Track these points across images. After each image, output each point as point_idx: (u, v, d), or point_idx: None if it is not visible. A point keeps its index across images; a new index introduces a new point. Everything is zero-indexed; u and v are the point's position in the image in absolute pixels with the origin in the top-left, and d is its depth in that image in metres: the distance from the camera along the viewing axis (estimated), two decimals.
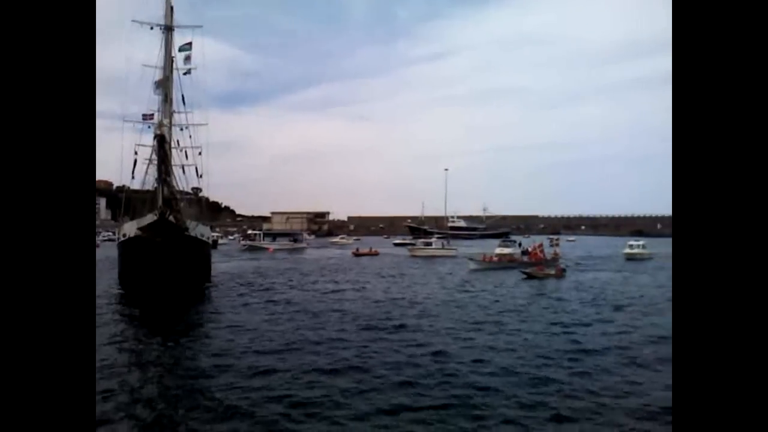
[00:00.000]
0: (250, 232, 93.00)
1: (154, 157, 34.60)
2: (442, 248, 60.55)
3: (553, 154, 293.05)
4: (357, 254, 59.81)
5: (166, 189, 25.30)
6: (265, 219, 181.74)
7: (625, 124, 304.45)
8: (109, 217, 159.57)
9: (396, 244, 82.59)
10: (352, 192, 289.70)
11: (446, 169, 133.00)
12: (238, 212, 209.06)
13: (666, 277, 35.66)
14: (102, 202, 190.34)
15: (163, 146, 25.12)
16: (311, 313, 21.00)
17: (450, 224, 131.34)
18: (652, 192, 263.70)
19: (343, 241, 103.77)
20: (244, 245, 78.66)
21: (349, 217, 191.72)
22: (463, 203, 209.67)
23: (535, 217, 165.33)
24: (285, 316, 20.59)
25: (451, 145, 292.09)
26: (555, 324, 18.86)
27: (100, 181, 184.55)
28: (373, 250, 64.24)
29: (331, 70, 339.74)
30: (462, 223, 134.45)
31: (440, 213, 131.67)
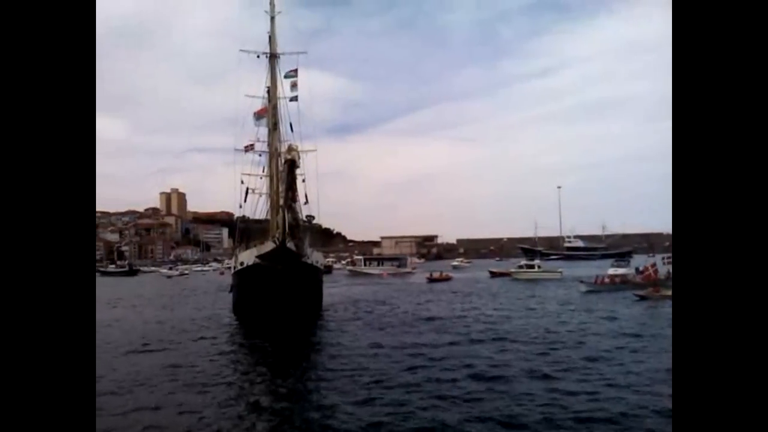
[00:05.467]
0: (354, 257, 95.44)
1: (261, 187, 35.62)
2: (546, 271, 59.07)
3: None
4: (431, 279, 59.25)
5: (290, 215, 23.74)
6: (375, 244, 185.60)
7: None
8: (230, 246, 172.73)
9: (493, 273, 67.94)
10: (460, 215, 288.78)
11: (559, 187, 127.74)
12: (349, 238, 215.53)
13: None
14: (224, 232, 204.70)
15: (293, 171, 23.72)
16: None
17: (566, 244, 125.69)
18: None
19: (464, 264, 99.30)
20: (349, 271, 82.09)
21: (458, 240, 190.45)
22: (580, 222, 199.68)
23: (660, 235, 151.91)
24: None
25: (563, 160, 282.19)
26: None
27: (222, 213, 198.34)
28: (444, 274, 63.11)
29: (435, 94, 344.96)
30: (579, 243, 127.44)
31: (554, 232, 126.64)
